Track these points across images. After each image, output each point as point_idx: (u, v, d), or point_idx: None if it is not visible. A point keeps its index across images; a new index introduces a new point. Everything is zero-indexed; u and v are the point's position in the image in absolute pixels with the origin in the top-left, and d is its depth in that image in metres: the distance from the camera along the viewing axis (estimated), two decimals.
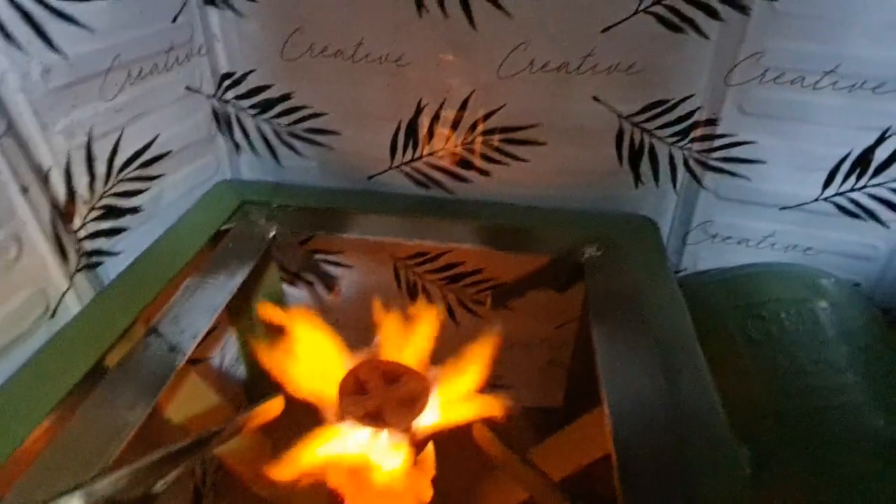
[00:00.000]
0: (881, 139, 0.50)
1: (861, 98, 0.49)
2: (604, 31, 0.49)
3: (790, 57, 0.49)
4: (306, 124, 0.58)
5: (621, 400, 0.35)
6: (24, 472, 0.30)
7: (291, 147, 0.59)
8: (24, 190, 0.37)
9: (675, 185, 0.57)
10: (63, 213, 0.41)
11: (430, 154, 0.57)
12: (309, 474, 0.38)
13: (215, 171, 0.58)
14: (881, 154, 0.51)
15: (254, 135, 0.59)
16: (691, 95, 0.53)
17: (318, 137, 0.58)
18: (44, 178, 0.39)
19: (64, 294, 0.41)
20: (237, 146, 0.60)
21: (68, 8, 0.39)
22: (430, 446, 0.44)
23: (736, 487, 0.31)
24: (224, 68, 0.56)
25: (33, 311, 0.39)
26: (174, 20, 0.49)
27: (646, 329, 0.41)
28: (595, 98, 0.53)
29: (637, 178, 0.57)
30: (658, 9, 0.48)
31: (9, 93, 0.36)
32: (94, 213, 0.44)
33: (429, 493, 0.43)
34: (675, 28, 0.49)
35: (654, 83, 0.52)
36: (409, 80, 0.53)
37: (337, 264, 0.65)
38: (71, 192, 0.42)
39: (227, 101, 0.57)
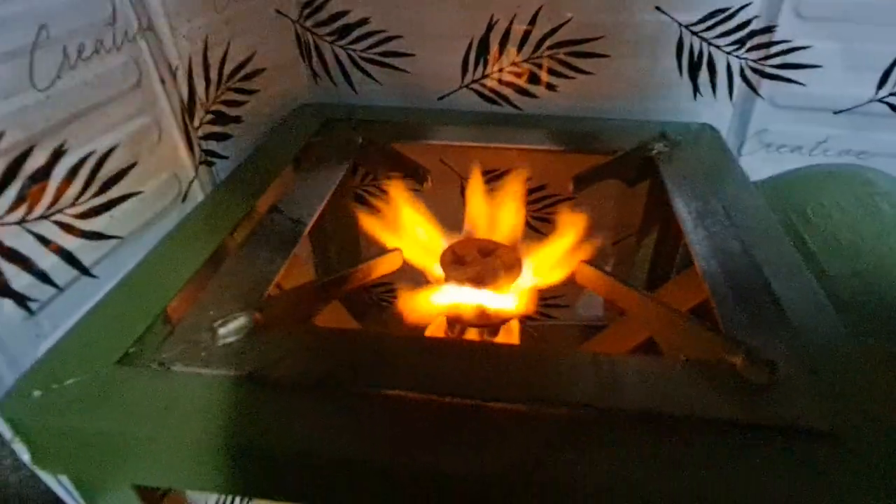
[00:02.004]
0: None
1: None
2: None
3: None
4: (382, 48, 0.62)
5: (708, 253, 0.39)
6: (190, 307, 0.35)
7: (366, 72, 0.64)
8: (163, 81, 0.42)
9: (731, 95, 0.60)
10: (187, 111, 0.45)
11: (500, 70, 0.60)
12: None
13: (299, 94, 0.63)
14: None
15: (331, 62, 0.64)
16: (749, 3, 0.55)
17: (393, 60, 0.62)
18: (173, 76, 0.44)
19: (191, 182, 0.46)
20: (315, 74, 0.65)
21: None
22: (516, 322, 0.48)
23: (825, 319, 0.34)
24: None
25: (170, 192, 0.44)
26: None
27: (721, 202, 0.44)
28: (657, 8, 0.56)
29: (695, 88, 0.60)
30: None
31: None
32: (209, 117, 0.49)
33: None
34: None
35: None
36: None
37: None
38: (192, 93, 0.46)
39: (307, 29, 0.62)
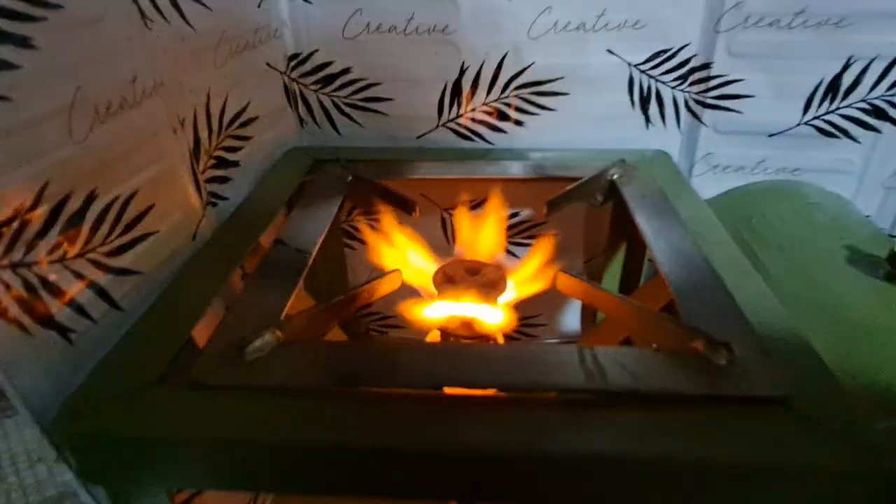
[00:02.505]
0: (846, 67, 0.61)
1: (827, 33, 0.60)
2: None
3: (766, 3, 0.60)
4: (363, 94, 0.67)
5: (669, 260, 0.44)
6: (214, 330, 0.38)
7: (349, 117, 0.69)
8: (174, 131, 0.46)
9: (678, 124, 0.68)
10: (194, 157, 0.50)
11: (473, 110, 0.67)
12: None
13: (287, 139, 0.68)
14: (847, 79, 0.62)
15: (316, 109, 0.69)
16: (687, 44, 0.63)
17: (374, 105, 0.68)
18: (182, 126, 0.48)
19: (200, 221, 0.49)
20: (301, 120, 0.70)
21: None
22: (500, 335, 0.52)
23: (771, 310, 0.40)
24: (291, 50, 0.65)
25: (182, 231, 0.47)
26: (259, 5, 0.59)
27: (677, 217, 0.50)
28: (609, 51, 0.63)
29: (647, 119, 0.67)
30: None
31: (157, 54, 0.45)
32: (211, 162, 0.53)
33: None
34: None
35: (656, 35, 0.63)
36: (453, 45, 0.63)
37: None
38: (197, 141, 0.50)
39: (293, 80, 0.67)
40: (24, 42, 0.32)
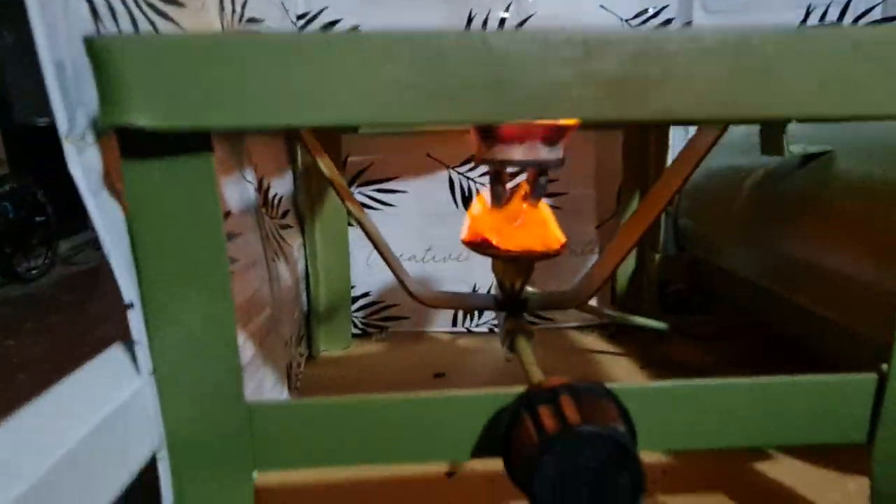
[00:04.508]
0: (808, 14, 0.69)
1: None
2: None
3: None
4: None
5: None
6: None
7: None
8: None
9: None
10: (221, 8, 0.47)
11: None
12: None
13: None
14: (811, 23, 0.70)
15: None
16: (667, 6, 0.70)
17: None
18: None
19: None
20: None
21: None
22: None
23: None
24: (301, 9, 0.67)
25: None
26: None
27: None
28: (601, 6, 0.69)
29: None
30: None
31: None
32: None
33: None
34: None
35: None
36: None
37: (393, 191, 0.70)
38: (222, 2, 0.48)
39: None
40: None
